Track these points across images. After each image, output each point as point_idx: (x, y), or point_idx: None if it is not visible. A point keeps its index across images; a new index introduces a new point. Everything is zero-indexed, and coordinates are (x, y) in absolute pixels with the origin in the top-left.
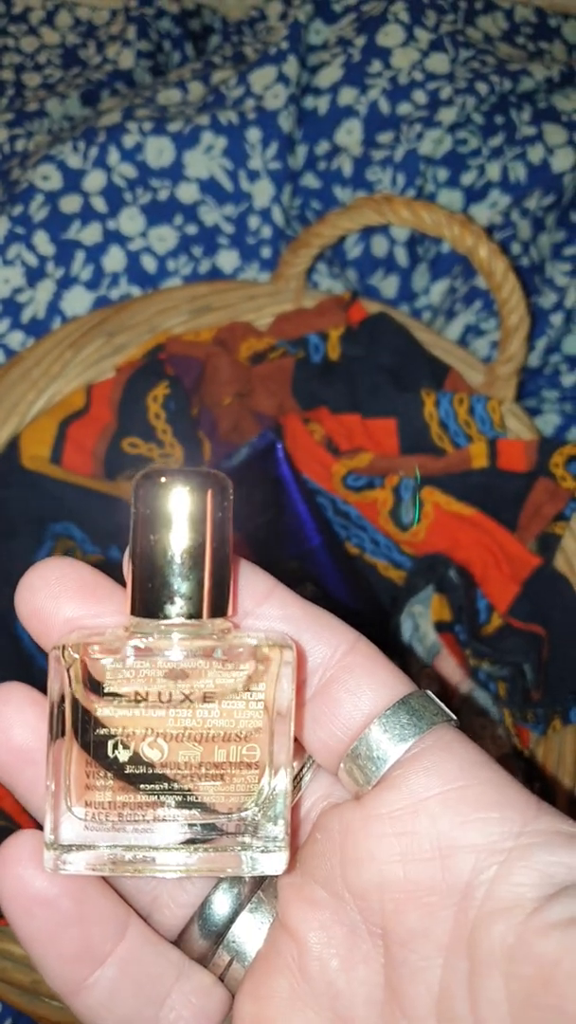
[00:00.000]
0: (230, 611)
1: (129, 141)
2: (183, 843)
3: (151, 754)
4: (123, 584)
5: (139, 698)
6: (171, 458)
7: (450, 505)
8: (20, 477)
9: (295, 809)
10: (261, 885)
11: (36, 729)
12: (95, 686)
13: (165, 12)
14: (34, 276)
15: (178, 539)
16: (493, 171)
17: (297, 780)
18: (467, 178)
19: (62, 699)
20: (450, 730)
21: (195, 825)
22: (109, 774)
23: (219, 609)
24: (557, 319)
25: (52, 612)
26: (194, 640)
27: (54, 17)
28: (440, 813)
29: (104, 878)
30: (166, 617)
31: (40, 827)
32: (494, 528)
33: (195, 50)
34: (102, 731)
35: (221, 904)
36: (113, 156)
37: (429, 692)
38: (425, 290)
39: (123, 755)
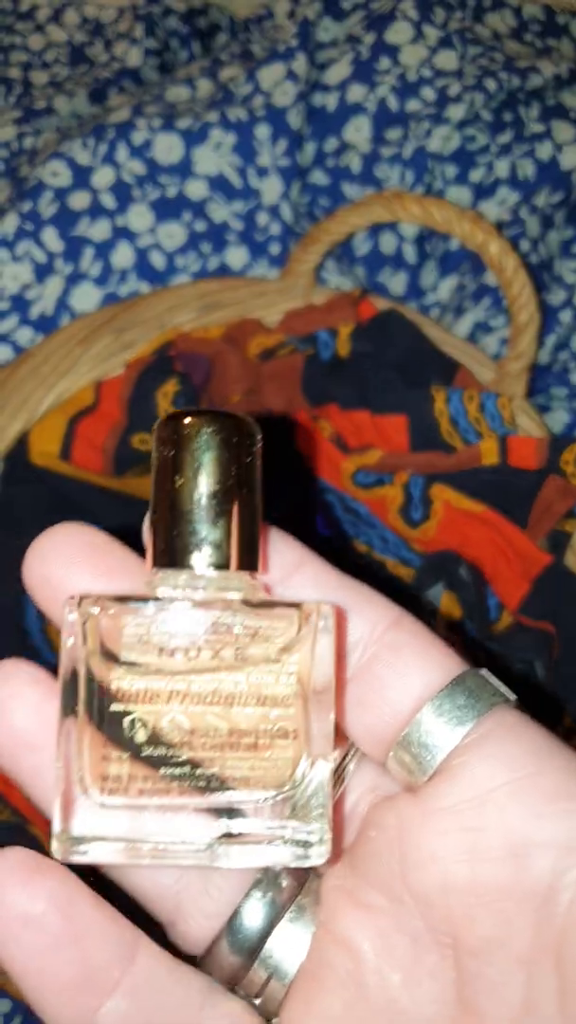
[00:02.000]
0: (260, 569)
1: (138, 138)
2: (209, 831)
3: (172, 732)
4: (143, 554)
5: (160, 667)
6: None
7: (460, 502)
8: (29, 473)
9: (339, 802)
10: (300, 891)
11: (39, 711)
12: (112, 655)
13: (172, 10)
14: (43, 272)
15: (205, 481)
16: (502, 168)
17: (340, 770)
18: (476, 175)
19: (74, 673)
20: (511, 712)
21: (223, 811)
22: (126, 755)
23: (249, 562)
24: (566, 316)
25: (63, 580)
26: (222, 592)
27: (61, 15)
28: (510, 806)
29: (110, 892)
30: (191, 567)
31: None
32: (504, 525)
33: (202, 48)
34: (118, 707)
35: (254, 914)
36: (122, 153)
37: (485, 671)
38: (434, 287)
39: (141, 734)
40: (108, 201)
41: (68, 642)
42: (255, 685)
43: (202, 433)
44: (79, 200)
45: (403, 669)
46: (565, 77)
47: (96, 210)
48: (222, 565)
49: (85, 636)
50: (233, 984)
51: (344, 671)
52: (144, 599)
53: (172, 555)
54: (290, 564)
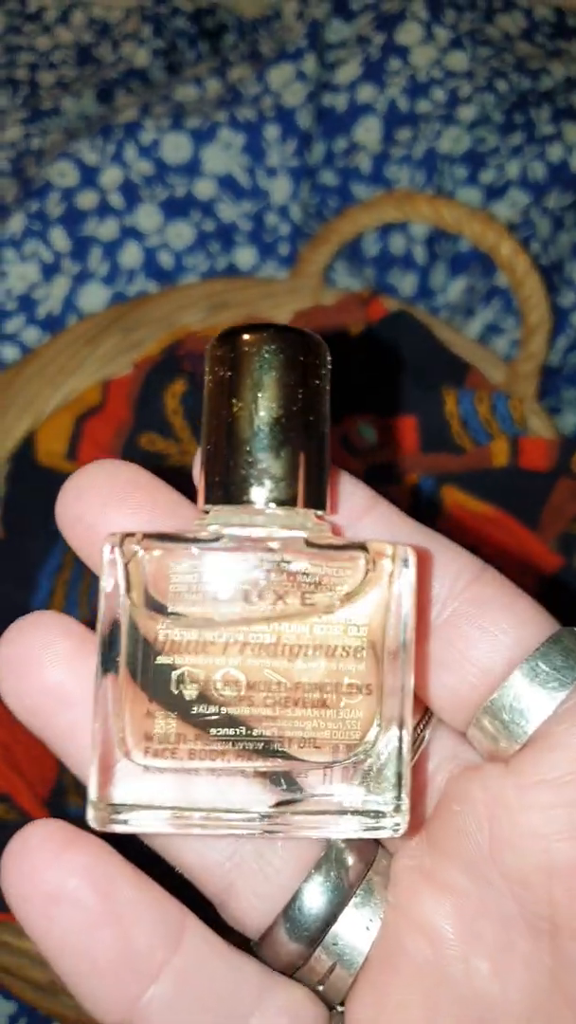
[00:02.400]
0: (328, 508)
1: (146, 137)
2: (266, 798)
3: (226, 688)
4: (192, 498)
5: (212, 616)
6: (189, 455)
7: (471, 504)
8: (36, 473)
9: (416, 771)
10: (368, 870)
11: (73, 664)
12: (156, 604)
13: (180, 10)
14: (50, 272)
15: (267, 405)
16: (512, 169)
17: (416, 737)
18: (486, 176)
19: (114, 622)
20: None
21: (282, 777)
22: (174, 714)
23: (316, 498)
24: None
25: (100, 520)
26: (285, 532)
27: (68, 16)
28: None
29: (154, 867)
30: (250, 503)
31: (54, 814)
32: (515, 527)
33: (210, 48)
34: (165, 660)
35: (316, 897)
36: (130, 152)
37: None
38: (443, 288)
39: (191, 690)
40: (116, 201)
41: (108, 587)
42: (321, 636)
43: (265, 350)
44: (87, 200)
45: (491, 626)
46: (575, 79)
47: (104, 210)
48: (286, 501)
49: (128, 580)
50: (292, 971)
51: (424, 624)
52: (195, 539)
53: (228, 489)
54: (359, 506)
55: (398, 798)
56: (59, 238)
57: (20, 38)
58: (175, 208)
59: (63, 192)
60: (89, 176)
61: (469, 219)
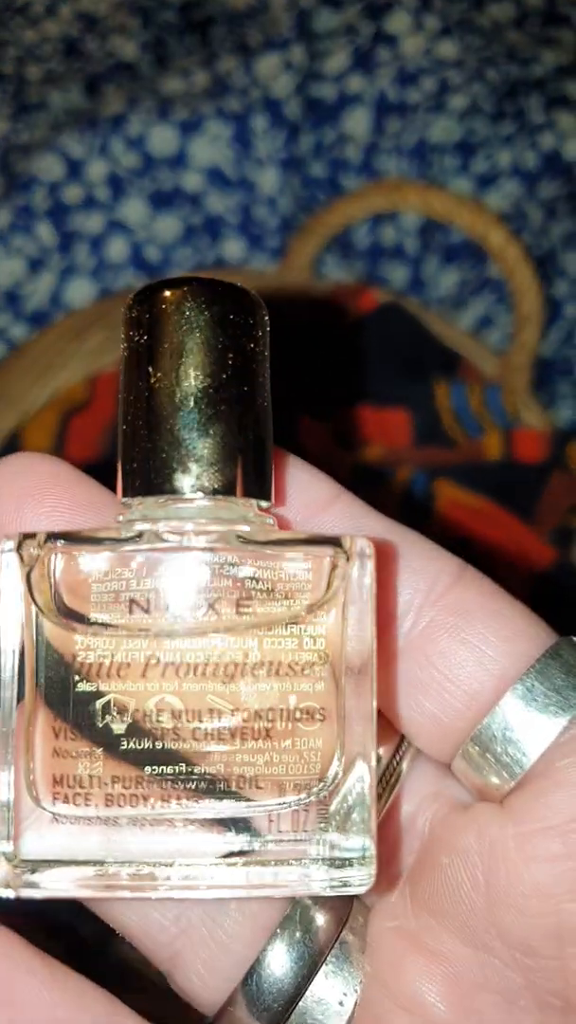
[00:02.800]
0: (273, 498)
1: (133, 130)
2: (213, 849)
3: (160, 718)
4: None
5: (141, 629)
6: None
7: (464, 498)
8: None
9: (392, 811)
10: (340, 932)
11: None
12: (75, 613)
13: (167, 3)
14: (37, 267)
15: (193, 373)
16: (504, 159)
17: (390, 771)
18: (477, 166)
19: (21, 642)
20: None
21: (231, 823)
22: (99, 751)
23: (257, 485)
24: (570, 310)
25: (12, 520)
26: (221, 527)
27: (55, 9)
28: None
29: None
30: (176, 492)
31: None
32: (509, 521)
33: (198, 41)
34: (86, 686)
35: (279, 967)
36: (117, 145)
37: None
38: (435, 280)
39: (118, 723)
40: (102, 194)
41: (7, 600)
42: (270, 652)
43: (186, 308)
44: (73, 194)
45: (476, 639)
46: (567, 67)
47: (90, 204)
48: (219, 489)
49: (30, 588)
50: None
51: (390, 634)
52: (115, 538)
53: (148, 477)
54: (319, 501)
55: (366, 843)
56: (46, 233)
57: (6, 32)
58: (162, 201)
59: (49, 186)
60: (75, 170)
61: (459, 208)
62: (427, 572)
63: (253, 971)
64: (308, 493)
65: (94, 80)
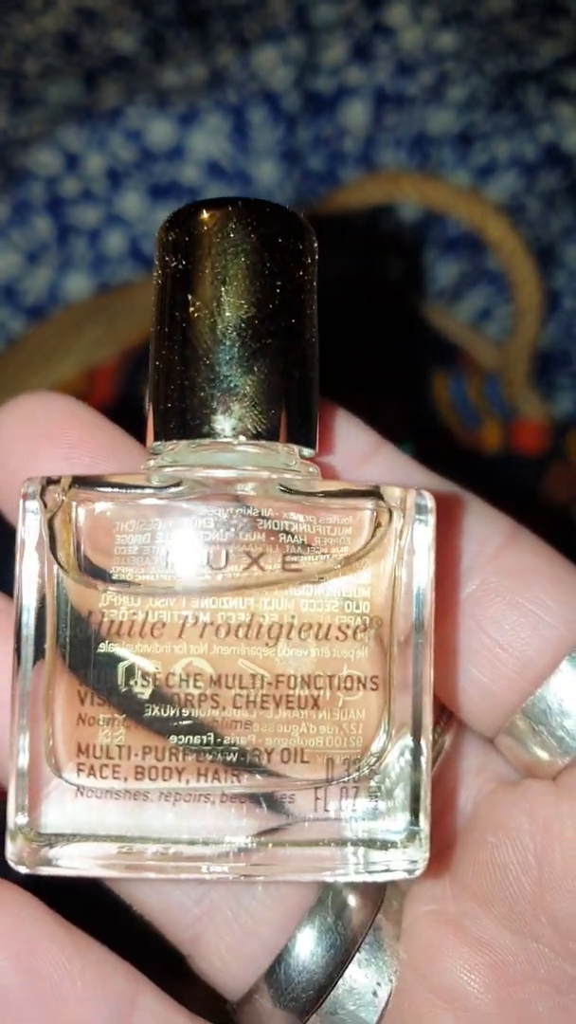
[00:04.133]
0: (319, 446)
1: (130, 123)
2: (243, 827)
3: (189, 683)
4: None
5: (169, 586)
6: None
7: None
8: None
9: (435, 788)
10: (375, 918)
11: None
12: (98, 568)
13: None
14: (35, 260)
15: (236, 301)
16: (503, 151)
17: (433, 744)
18: (476, 158)
19: (39, 597)
20: None
21: (263, 799)
22: (121, 718)
23: (303, 431)
24: (569, 301)
25: (26, 463)
26: (261, 474)
27: (53, 3)
28: None
29: (95, 917)
30: (215, 435)
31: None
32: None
33: (196, 34)
34: (109, 647)
35: (308, 955)
36: (114, 139)
37: None
38: (434, 272)
39: (143, 687)
40: (100, 188)
41: (27, 548)
42: (310, 614)
43: (230, 229)
44: (71, 187)
45: (531, 603)
46: (566, 58)
47: (88, 197)
48: (262, 433)
49: (54, 537)
50: None
51: (449, 598)
52: (142, 485)
53: (184, 419)
54: (359, 450)
55: (413, 823)
56: (43, 226)
57: (3, 27)
58: (160, 194)
59: (47, 180)
60: (73, 163)
61: (456, 199)
62: (477, 532)
63: (281, 959)
64: (348, 442)
65: (92, 74)
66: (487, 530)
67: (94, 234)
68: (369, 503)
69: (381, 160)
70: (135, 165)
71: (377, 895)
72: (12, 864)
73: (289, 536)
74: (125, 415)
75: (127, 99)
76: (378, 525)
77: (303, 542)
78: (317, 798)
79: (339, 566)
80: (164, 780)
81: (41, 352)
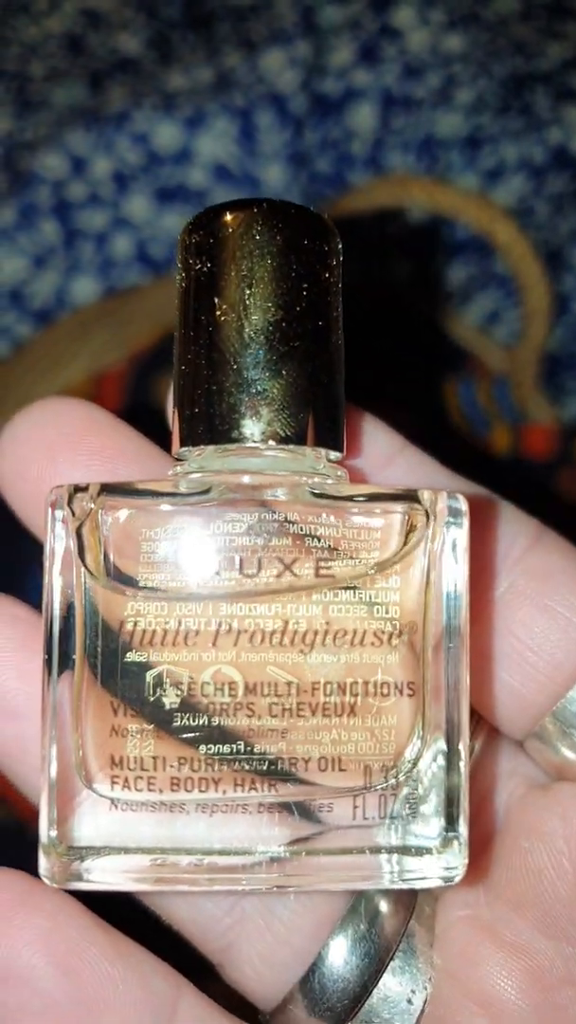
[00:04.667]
0: (345, 449)
1: (137, 127)
2: (275, 837)
3: (218, 692)
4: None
5: (196, 594)
6: None
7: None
8: None
9: (482, 796)
10: (407, 924)
11: (17, 661)
12: (125, 576)
13: None
14: (41, 264)
15: (263, 304)
16: (511, 153)
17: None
18: (484, 161)
19: (67, 605)
20: None
21: (294, 808)
22: (150, 728)
23: (331, 435)
24: None
25: (46, 470)
26: (290, 479)
27: (58, 6)
28: None
29: (130, 923)
30: (244, 439)
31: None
32: None
33: (202, 36)
34: (137, 656)
35: (342, 963)
36: (121, 142)
37: None
38: (442, 275)
39: (172, 695)
40: (107, 191)
41: (56, 557)
42: (340, 620)
43: (256, 232)
44: (77, 191)
45: (560, 605)
46: (574, 60)
47: (95, 201)
48: (290, 437)
49: (82, 546)
50: None
51: (484, 602)
52: (171, 493)
53: (212, 424)
54: (383, 452)
55: (450, 829)
56: (50, 230)
57: (8, 29)
58: (167, 197)
59: (53, 183)
60: (80, 167)
61: (465, 203)
62: (503, 533)
63: (315, 967)
64: (372, 444)
65: (97, 76)
66: (513, 531)
67: (101, 238)
68: (399, 507)
69: (389, 163)
70: (142, 168)
71: (410, 901)
72: (45, 880)
73: (316, 540)
74: (133, 420)
75: (133, 102)
76: (411, 528)
77: (330, 546)
78: (356, 806)
79: (372, 572)
80: (200, 791)
81: (48, 357)
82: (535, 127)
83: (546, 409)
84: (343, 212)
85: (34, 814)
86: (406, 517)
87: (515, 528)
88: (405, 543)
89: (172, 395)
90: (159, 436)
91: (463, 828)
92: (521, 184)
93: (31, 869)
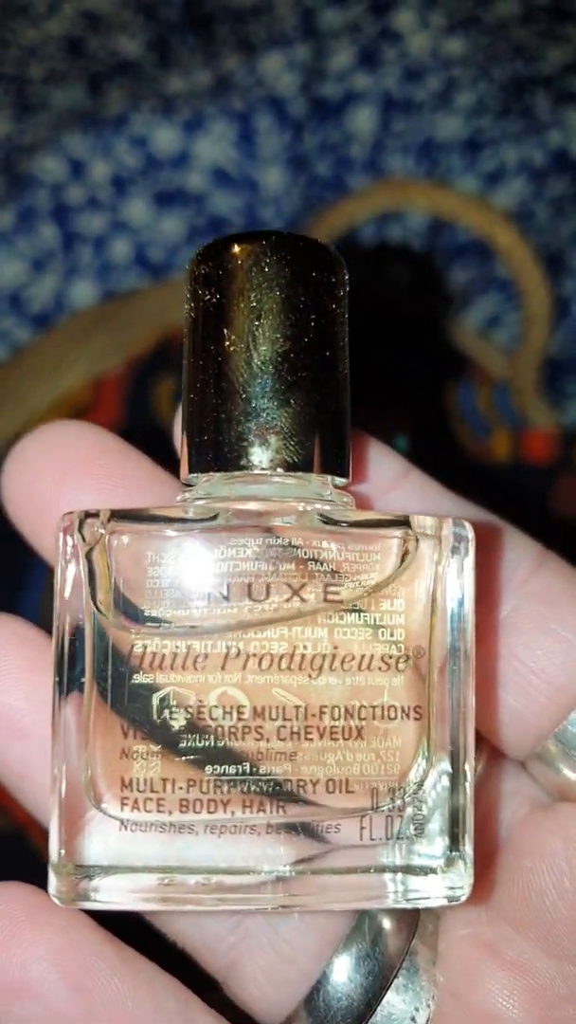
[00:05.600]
0: (351, 474)
1: (136, 130)
2: (280, 856)
3: (225, 714)
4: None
5: (203, 618)
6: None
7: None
8: None
9: (485, 816)
10: (410, 942)
11: (27, 683)
12: (132, 602)
13: (170, 1)
14: (40, 268)
15: (272, 336)
16: (511, 157)
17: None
18: (484, 164)
19: (75, 629)
20: None
21: (300, 828)
22: (157, 749)
23: (337, 462)
24: None
25: (55, 495)
26: (297, 505)
27: (58, 8)
28: None
29: (138, 942)
30: (252, 467)
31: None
32: (517, 523)
33: (202, 39)
34: (144, 678)
35: (346, 981)
36: (119, 145)
37: None
38: (442, 279)
39: (179, 718)
40: (105, 195)
41: (67, 582)
42: (346, 643)
43: (265, 264)
44: (76, 194)
45: (563, 628)
46: (574, 64)
47: (93, 204)
48: (297, 464)
49: (92, 572)
50: None
51: (489, 626)
52: (180, 519)
53: (221, 451)
54: (388, 476)
55: (453, 849)
56: (49, 234)
57: (7, 32)
58: (166, 201)
59: (52, 187)
60: (78, 170)
61: (465, 207)
62: (507, 557)
63: (320, 985)
64: (377, 468)
65: (96, 79)
66: (517, 555)
67: (99, 241)
68: (397, 532)
69: (389, 167)
70: (140, 172)
71: (412, 920)
72: (54, 900)
73: (318, 564)
74: (131, 424)
75: (132, 105)
76: (405, 553)
77: (332, 569)
78: (363, 827)
79: (367, 594)
80: (209, 812)
81: (47, 361)
82: (535, 130)
83: (546, 414)
84: (342, 216)
85: (32, 821)
86: (402, 542)
87: (519, 552)
88: (402, 566)
89: (180, 420)
90: (157, 439)
91: (468, 848)
92: (521, 187)
93: (30, 876)
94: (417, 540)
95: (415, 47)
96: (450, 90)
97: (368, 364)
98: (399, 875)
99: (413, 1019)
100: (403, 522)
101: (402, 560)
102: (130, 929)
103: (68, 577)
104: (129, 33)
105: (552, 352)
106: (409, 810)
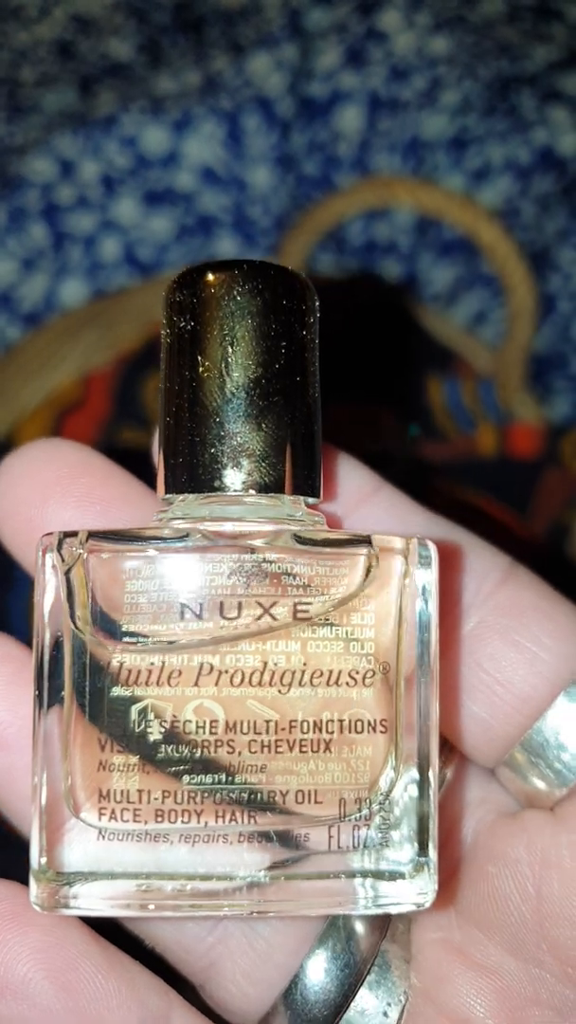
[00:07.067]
0: (322, 494)
1: (125, 130)
2: (255, 863)
3: (200, 726)
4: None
5: (180, 634)
6: None
7: (458, 493)
8: None
9: (450, 823)
10: (381, 943)
11: (8, 695)
12: (111, 618)
13: (161, 4)
14: (30, 268)
15: (244, 362)
16: (496, 155)
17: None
18: (470, 162)
19: (56, 643)
20: None
21: (274, 836)
22: (135, 760)
23: (308, 482)
24: (564, 304)
25: (39, 512)
26: (271, 526)
27: (49, 12)
28: None
29: (122, 942)
30: (225, 489)
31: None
32: (504, 516)
33: (191, 40)
34: (122, 691)
35: (322, 977)
36: (109, 146)
37: None
38: (429, 276)
39: (156, 730)
40: (95, 195)
41: (46, 599)
42: (317, 657)
43: (237, 292)
44: (66, 194)
45: (528, 640)
46: (559, 62)
47: (83, 204)
48: (269, 486)
49: (71, 591)
50: None
51: (452, 639)
52: (154, 537)
53: (195, 473)
54: (357, 491)
55: (421, 854)
56: (39, 233)
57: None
58: (155, 200)
59: (42, 187)
60: (68, 170)
61: (449, 204)
62: (475, 568)
63: (297, 981)
64: (346, 484)
65: (87, 81)
66: (484, 568)
67: (89, 241)
68: (363, 549)
69: (375, 165)
70: (130, 172)
71: (383, 919)
72: (34, 907)
73: (291, 578)
74: (120, 421)
75: (122, 106)
76: (371, 567)
77: (304, 583)
78: (331, 836)
79: (333, 608)
80: (183, 822)
81: (37, 358)
82: (521, 128)
83: (532, 408)
84: (330, 213)
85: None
86: (367, 559)
87: (486, 565)
88: (367, 582)
89: (157, 442)
90: (145, 433)
91: (433, 854)
92: (507, 185)
93: (13, 872)
94: (377, 558)
95: (401, 46)
96: (436, 89)
97: (355, 360)
98: (369, 880)
99: (385, 1014)
100: (364, 540)
101: (366, 577)
102: (114, 929)
103: (47, 595)
104: (120, 36)
105: (538, 347)
106: (378, 818)
